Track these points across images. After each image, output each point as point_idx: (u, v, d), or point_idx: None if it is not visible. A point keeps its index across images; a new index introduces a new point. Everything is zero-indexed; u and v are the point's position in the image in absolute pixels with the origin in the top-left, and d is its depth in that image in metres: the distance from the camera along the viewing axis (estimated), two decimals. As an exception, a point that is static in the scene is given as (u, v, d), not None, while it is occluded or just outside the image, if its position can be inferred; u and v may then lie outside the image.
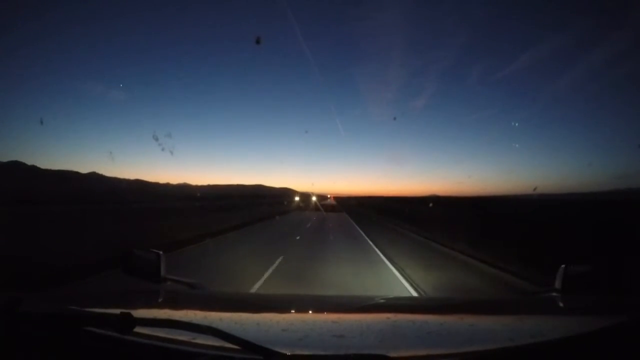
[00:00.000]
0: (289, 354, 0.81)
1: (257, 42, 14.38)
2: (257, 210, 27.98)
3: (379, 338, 1.11)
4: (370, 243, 13.38)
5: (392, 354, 0.82)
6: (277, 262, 8.63)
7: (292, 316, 1.41)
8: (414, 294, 6.18)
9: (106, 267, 6.86)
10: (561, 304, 1.47)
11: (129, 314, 0.84)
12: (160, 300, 1.58)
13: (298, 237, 14.53)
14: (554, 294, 1.44)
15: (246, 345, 0.80)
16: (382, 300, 1.91)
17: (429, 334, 1.14)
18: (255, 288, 6.21)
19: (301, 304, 1.71)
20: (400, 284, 7.07)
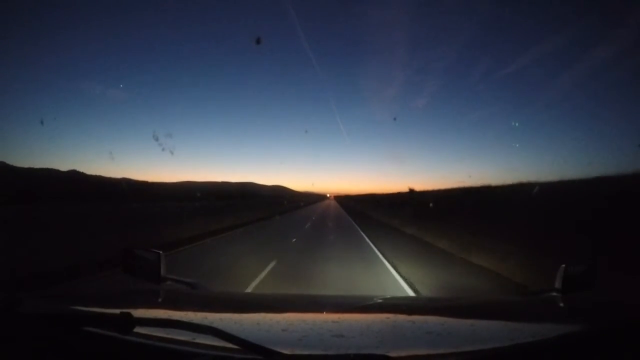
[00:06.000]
0: (289, 353, 0.81)
1: (258, 42, 14.43)
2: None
3: (379, 338, 1.11)
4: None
5: (392, 354, 0.82)
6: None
7: (292, 316, 1.41)
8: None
9: None
10: (561, 304, 1.46)
11: (129, 314, 0.84)
12: (160, 300, 1.58)
13: None
14: (554, 294, 1.44)
15: (246, 345, 0.80)
16: (381, 300, 1.91)
17: (429, 334, 1.13)
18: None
19: (301, 304, 1.71)
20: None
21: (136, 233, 11.96)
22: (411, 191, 31.79)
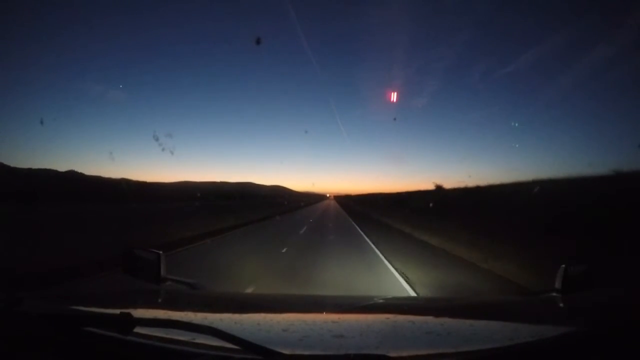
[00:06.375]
0: (289, 354, 0.81)
1: (258, 42, 14.46)
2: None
3: (379, 338, 1.11)
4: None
5: (392, 354, 0.82)
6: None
7: (292, 316, 1.41)
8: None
9: None
10: (561, 304, 1.46)
11: (129, 314, 0.84)
12: (160, 300, 1.58)
13: None
14: (554, 294, 1.44)
15: (246, 345, 0.80)
16: (381, 300, 1.91)
17: (429, 334, 1.14)
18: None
19: (301, 304, 1.71)
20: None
21: (135, 233, 11.95)
22: (439, 188, 23.61)
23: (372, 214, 30.17)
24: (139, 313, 1.15)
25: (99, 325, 0.89)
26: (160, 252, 1.59)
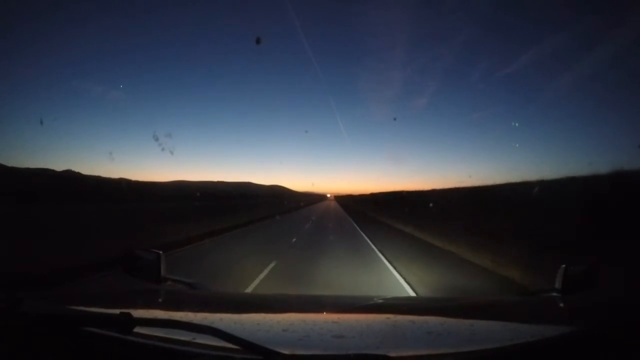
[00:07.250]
0: (289, 354, 0.81)
1: (257, 42, 14.49)
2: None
3: (379, 338, 1.11)
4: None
5: (392, 354, 0.82)
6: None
7: (293, 316, 1.41)
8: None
9: None
10: (561, 304, 1.46)
11: (129, 314, 0.84)
12: (160, 300, 1.58)
13: None
14: (554, 294, 1.44)
15: (246, 345, 0.80)
16: (381, 300, 1.91)
17: (429, 334, 1.14)
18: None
19: (301, 304, 1.71)
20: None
21: (138, 233, 11.94)
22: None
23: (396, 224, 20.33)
24: (139, 313, 1.15)
25: (98, 325, 0.89)
26: (161, 252, 1.59)
